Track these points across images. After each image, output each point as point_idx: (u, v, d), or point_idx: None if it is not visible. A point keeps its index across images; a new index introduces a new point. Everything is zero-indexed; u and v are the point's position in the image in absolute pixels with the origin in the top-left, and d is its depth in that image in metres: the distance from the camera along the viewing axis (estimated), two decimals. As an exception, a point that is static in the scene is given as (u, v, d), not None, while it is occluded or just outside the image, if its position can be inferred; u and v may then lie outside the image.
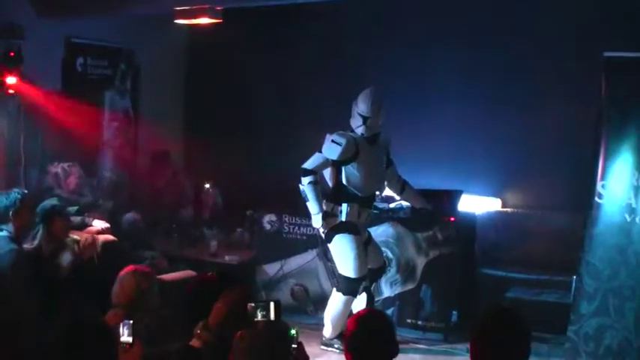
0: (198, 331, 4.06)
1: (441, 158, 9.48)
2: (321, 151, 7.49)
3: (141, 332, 4.42)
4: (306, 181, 7.40)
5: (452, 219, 8.20)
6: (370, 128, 7.50)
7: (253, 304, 4.10)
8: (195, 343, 4.02)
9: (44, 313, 5.94)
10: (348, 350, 3.99)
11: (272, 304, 4.12)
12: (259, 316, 4.09)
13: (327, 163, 7.48)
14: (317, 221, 7.50)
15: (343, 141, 7.41)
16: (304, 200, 7.51)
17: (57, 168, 8.39)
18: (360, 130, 7.50)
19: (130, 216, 8.84)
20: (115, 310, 4.96)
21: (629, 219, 6.66)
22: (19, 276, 6.04)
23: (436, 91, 9.48)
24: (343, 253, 7.52)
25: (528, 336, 3.75)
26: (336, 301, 7.65)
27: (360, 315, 4.51)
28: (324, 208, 7.47)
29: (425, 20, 9.52)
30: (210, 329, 4.05)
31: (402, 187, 7.96)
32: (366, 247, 7.66)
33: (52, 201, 6.98)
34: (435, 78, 9.49)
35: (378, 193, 8.00)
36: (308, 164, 7.44)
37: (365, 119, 7.46)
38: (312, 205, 7.44)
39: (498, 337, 3.73)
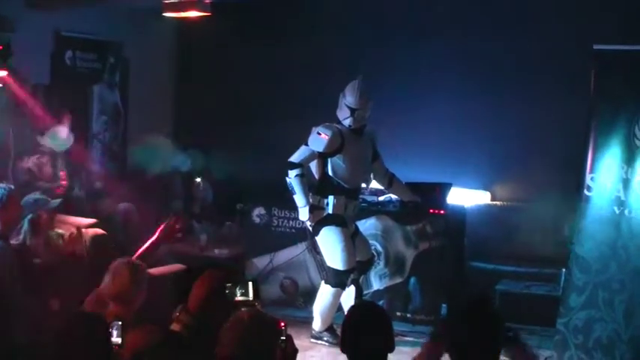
0: (178, 314, 4.04)
1: (430, 151, 9.45)
2: (307, 144, 7.48)
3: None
4: (292, 174, 7.42)
5: (441, 212, 8.19)
6: (358, 120, 7.51)
7: (231, 284, 4.10)
8: (175, 326, 3.99)
9: (33, 308, 5.90)
10: (344, 345, 3.96)
11: (250, 283, 4.14)
12: (238, 295, 4.09)
13: (313, 155, 7.48)
14: (304, 214, 7.52)
15: (329, 133, 7.42)
16: (291, 193, 7.50)
17: (28, 163, 8.34)
18: (347, 122, 7.50)
19: (123, 205, 8.77)
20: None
21: (617, 212, 6.63)
22: (6, 272, 5.98)
23: (426, 84, 9.43)
24: (331, 246, 7.52)
25: (499, 324, 3.73)
26: (324, 293, 7.65)
27: (358, 309, 4.50)
28: (311, 200, 7.47)
29: (417, 14, 9.48)
30: (189, 312, 4.02)
31: (390, 181, 7.96)
32: (353, 239, 7.65)
33: (35, 195, 6.93)
34: (426, 72, 9.45)
35: (364, 185, 7.99)
36: (294, 157, 7.46)
37: (353, 111, 7.46)
38: (299, 198, 7.46)
39: (469, 326, 3.72)
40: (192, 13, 8.40)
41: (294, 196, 7.50)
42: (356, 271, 7.67)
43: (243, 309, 4.08)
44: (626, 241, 6.57)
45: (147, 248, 5.75)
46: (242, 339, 3.71)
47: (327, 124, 7.52)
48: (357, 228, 7.88)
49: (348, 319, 4.10)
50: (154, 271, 7.29)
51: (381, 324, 4.00)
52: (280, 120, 9.76)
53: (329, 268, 7.59)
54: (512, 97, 9.13)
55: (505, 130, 9.19)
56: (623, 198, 6.62)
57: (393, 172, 7.97)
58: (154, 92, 10.95)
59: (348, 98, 7.46)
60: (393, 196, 8.25)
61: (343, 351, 3.95)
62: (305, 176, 7.47)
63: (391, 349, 3.93)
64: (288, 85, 10.15)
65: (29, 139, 8.68)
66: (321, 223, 7.56)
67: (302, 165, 7.46)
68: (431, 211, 8.18)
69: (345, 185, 7.55)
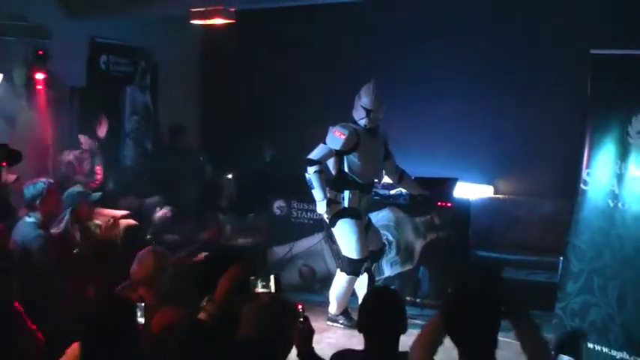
0: (204, 304, 4.09)
1: (438, 148, 9.51)
2: (325, 143, 7.51)
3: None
4: (311, 170, 7.43)
5: (448, 205, 8.21)
6: (372, 120, 7.53)
7: (254, 277, 4.14)
8: (202, 315, 4.04)
9: (72, 291, 5.95)
10: (361, 326, 3.98)
11: (272, 277, 4.17)
12: (259, 287, 4.13)
13: (331, 153, 7.50)
14: (322, 207, 7.53)
15: (346, 132, 7.44)
16: (310, 188, 7.53)
17: (69, 156, 8.41)
18: (363, 122, 7.52)
19: (160, 213, 8.83)
20: (126, 285, 4.99)
21: (612, 204, 6.63)
22: (47, 259, 6.05)
23: (435, 87, 9.49)
24: (346, 237, 7.55)
25: (494, 309, 3.73)
26: (340, 280, 7.69)
27: (374, 293, 4.52)
28: (328, 195, 7.49)
29: (424, 22, 9.53)
30: (215, 302, 4.07)
31: (401, 177, 7.99)
32: (366, 230, 7.69)
33: (77, 188, 6.98)
34: (434, 75, 9.52)
35: (376, 180, 8.03)
36: (313, 155, 7.47)
37: (368, 112, 7.48)
38: (317, 193, 7.47)
39: (464, 312, 3.72)
40: (218, 21, 8.47)
41: (313, 191, 7.52)
42: (369, 259, 7.71)
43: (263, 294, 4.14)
44: (619, 231, 6.57)
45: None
46: (262, 320, 3.76)
47: (344, 123, 7.54)
48: (369, 220, 7.91)
49: (364, 302, 4.12)
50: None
51: (396, 307, 4.02)
52: (298, 120, 9.81)
53: (344, 257, 7.63)
54: (514, 99, 9.18)
55: (507, 129, 9.24)
56: (617, 192, 6.62)
57: (403, 169, 7.99)
58: (181, 94, 11.03)
59: (364, 100, 7.48)
60: (404, 190, 8.27)
61: (360, 331, 3.97)
62: (323, 172, 7.49)
63: (404, 331, 3.95)
64: (304, 87, 10.20)
65: (67, 136, 8.76)
66: (338, 215, 7.58)
67: (320, 162, 7.47)
68: (438, 204, 8.19)
69: (360, 181, 7.58)
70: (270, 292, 4.17)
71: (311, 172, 7.46)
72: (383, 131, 7.81)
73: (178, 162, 10.00)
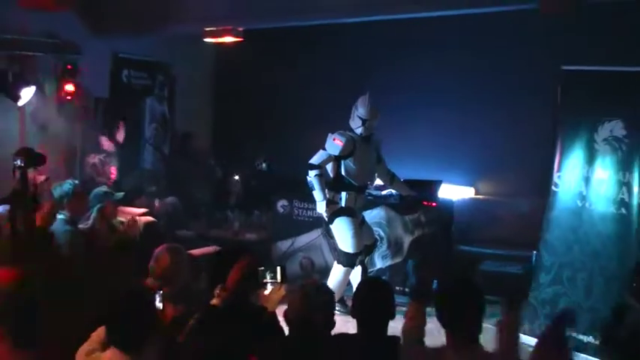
0: (218, 292, 4.14)
1: (424, 153, 9.51)
2: (324, 149, 7.56)
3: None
4: (312, 174, 7.49)
5: (433, 204, 8.25)
6: (368, 129, 7.58)
7: (263, 268, 4.19)
8: (215, 301, 4.09)
9: (97, 282, 5.98)
10: (354, 313, 4.04)
11: (279, 268, 4.23)
12: (268, 277, 4.18)
13: (330, 158, 7.56)
14: (321, 207, 7.59)
15: (343, 139, 7.50)
16: (311, 190, 7.58)
17: (94, 159, 8.46)
18: (359, 131, 7.57)
19: (171, 199, 8.87)
20: (152, 280, 5.01)
21: (580, 204, 6.71)
22: (75, 252, 6.08)
23: (421, 98, 9.50)
24: (343, 233, 7.60)
25: (479, 298, 3.78)
26: (336, 271, 7.73)
27: (367, 283, 4.58)
28: (327, 196, 7.54)
29: (413, 42, 9.50)
30: (227, 289, 4.11)
31: (392, 179, 8.04)
32: (360, 227, 7.74)
33: (103, 188, 7.02)
34: (420, 88, 9.51)
35: (369, 182, 8.08)
36: (314, 160, 7.53)
37: (364, 121, 7.53)
38: (318, 194, 7.53)
39: (454, 299, 3.79)
40: (228, 39, 8.51)
41: (314, 192, 7.57)
42: (363, 253, 7.76)
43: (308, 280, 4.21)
44: (586, 228, 6.65)
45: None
46: (309, 304, 3.81)
47: (341, 131, 7.59)
48: (363, 217, 7.96)
49: (358, 291, 4.18)
50: (194, 251, 7.43)
51: (386, 296, 4.07)
52: (299, 129, 9.84)
53: (341, 251, 7.67)
54: (493, 110, 9.17)
55: (487, 135, 9.25)
56: (584, 193, 6.69)
57: (393, 172, 8.04)
58: (196, 104, 11.07)
59: (360, 110, 7.52)
60: (394, 191, 8.31)
61: (354, 316, 4.03)
62: (323, 176, 7.55)
63: (393, 317, 4.01)
64: (305, 99, 10.22)
65: (92, 142, 8.81)
66: (335, 214, 7.63)
67: (320, 166, 7.53)
68: (425, 203, 8.22)
69: (355, 183, 7.63)
70: (276, 282, 4.23)
71: (312, 176, 7.53)
72: (376, 138, 7.86)
73: (189, 165, 10.06)
